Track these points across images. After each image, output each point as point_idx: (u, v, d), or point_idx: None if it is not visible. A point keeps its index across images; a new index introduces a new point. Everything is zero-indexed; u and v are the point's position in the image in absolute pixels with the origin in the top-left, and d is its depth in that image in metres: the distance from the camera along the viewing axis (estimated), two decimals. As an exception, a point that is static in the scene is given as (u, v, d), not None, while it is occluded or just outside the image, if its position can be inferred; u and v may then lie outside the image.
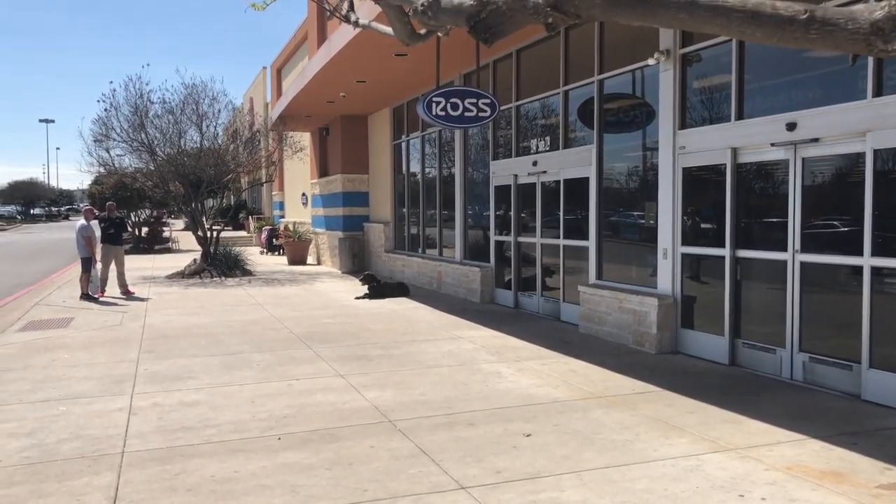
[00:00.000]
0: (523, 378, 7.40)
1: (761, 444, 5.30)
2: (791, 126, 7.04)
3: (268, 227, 28.23)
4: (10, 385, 7.29)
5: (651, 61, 8.66)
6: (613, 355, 8.42)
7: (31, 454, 5.24)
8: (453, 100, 10.16)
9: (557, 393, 6.81)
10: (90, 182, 30.90)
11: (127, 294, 14.37)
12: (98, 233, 14.58)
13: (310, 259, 23.00)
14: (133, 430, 5.79)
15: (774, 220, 7.42)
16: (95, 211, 14.88)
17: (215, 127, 19.59)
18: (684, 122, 8.52)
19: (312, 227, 23.45)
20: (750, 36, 2.36)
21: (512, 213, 12.31)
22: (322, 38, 18.47)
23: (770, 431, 5.59)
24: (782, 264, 7.22)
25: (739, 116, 7.75)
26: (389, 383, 7.21)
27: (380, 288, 13.98)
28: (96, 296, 13.88)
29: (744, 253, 7.75)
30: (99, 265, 14.30)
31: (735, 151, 7.76)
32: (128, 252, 18.23)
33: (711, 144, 8.05)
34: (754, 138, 7.52)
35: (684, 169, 8.47)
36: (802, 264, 7.03)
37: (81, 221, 14.34)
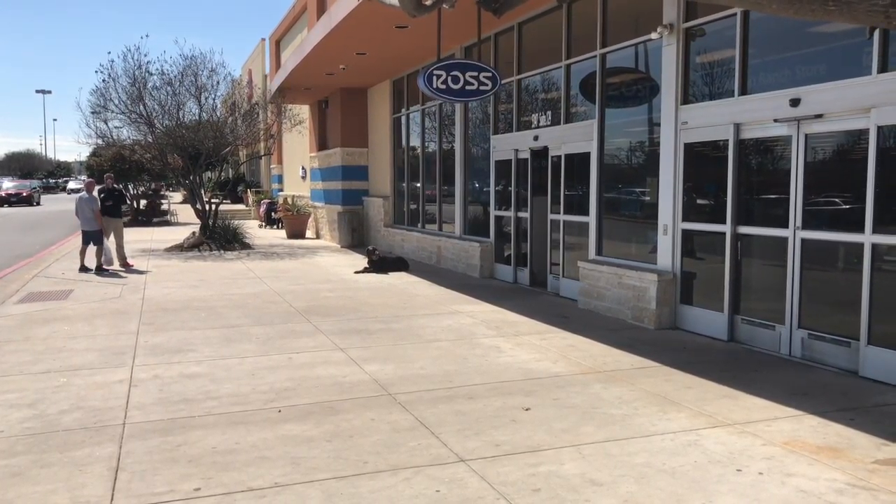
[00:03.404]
0: (522, 353, 7.43)
1: (759, 419, 5.34)
2: (795, 102, 6.99)
3: (266, 201, 28.16)
4: (11, 356, 7.30)
5: (654, 35, 8.59)
6: (612, 331, 8.44)
7: (33, 425, 5.26)
8: (454, 73, 10.08)
9: (556, 367, 6.83)
10: (88, 154, 30.77)
11: (126, 266, 14.37)
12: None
13: (309, 233, 22.97)
14: (134, 401, 5.81)
15: (776, 196, 7.40)
16: (95, 184, 14.77)
17: (214, 99, 19.49)
18: (687, 98, 8.46)
19: (311, 201, 23.40)
20: (766, 7, 2.33)
21: (512, 188, 12.27)
22: (322, 9, 18.27)
23: (768, 407, 5.62)
24: (783, 241, 7.22)
25: (743, 92, 7.69)
26: (389, 357, 7.24)
27: (379, 262, 13.98)
28: (108, 268, 13.85)
29: (745, 229, 7.74)
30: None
31: (738, 127, 7.71)
32: (126, 224, 18.18)
33: (714, 120, 8.00)
34: (757, 114, 7.47)
35: (686, 145, 8.43)
36: (803, 241, 7.02)
37: (83, 194, 14.22)
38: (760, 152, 7.70)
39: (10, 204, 46.38)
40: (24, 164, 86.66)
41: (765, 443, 4.87)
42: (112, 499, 4.05)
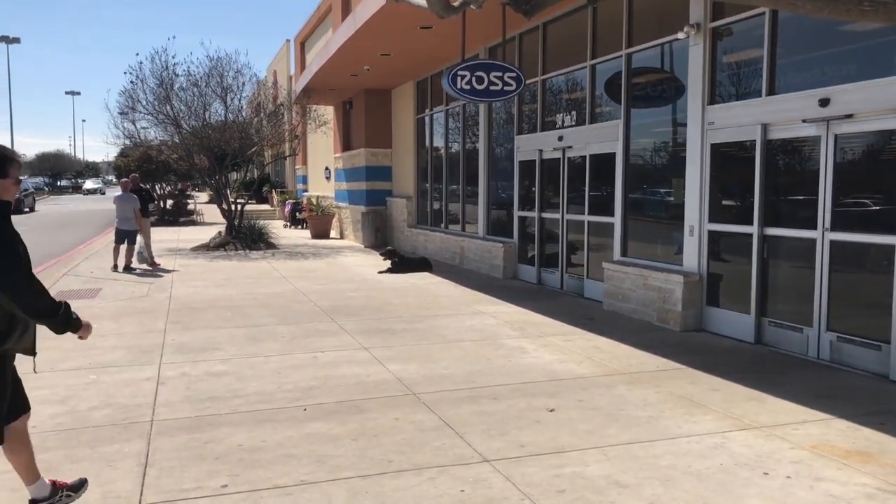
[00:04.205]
0: (547, 353, 7.41)
1: (787, 422, 5.28)
2: (824, 102, 6.90)
3: (291, 201, 28.36)
4: (42, 353, 7.28)
5: (680, 35, 8.52)
6: (637, 332, 8.39)
7: (64, 421, 5.35)
8: (478, 73, 10.09)
9: (581, 369, 6.81)
10: (116, 154, 31.18)
11: (153, 266, 14.55)
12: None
13: (333, 233, 23.10)
14: (162, 399, 5.89)
15: (804, 197, 7.32)
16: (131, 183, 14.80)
17: (240, 100, 19.68)
18: (714, 98, 8.39)
19: (335, 202, 23.51)
20: (800, 8, 2.30)
21: (536, 188, 12.25)
22: (346, 10, 18.38)
23: (796, 410, 5.55)
24: (811, 242, 7.13)
25: (771, 92, 7.61)
26: (413, 357, 7.26)
27: (402, 262, 14.02)
28: (136, 269, 14.01)
29: (772, 231, 7.66)
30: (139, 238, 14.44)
31: (765, 128, 7.63)
32: (153, 224, 18.42)
33: (741, 120, 7.93)
34: (786, 114, 7.39)
35: (713, 145, 8.35)
36: (832, 243, 6.93)
37: (122, 193, 14.34)
38: (788, 153, 7.61)
39: None
40: (53, 165, 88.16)
41: (793, 446, 4.82)
42: (141, 494, 4.11)
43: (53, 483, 3.94)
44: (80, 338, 3.84)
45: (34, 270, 3.72)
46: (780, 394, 5.95)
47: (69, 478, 4.08)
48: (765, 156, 7.67)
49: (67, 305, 3.67)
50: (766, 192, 7.70)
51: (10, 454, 3.81)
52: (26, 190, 41.38)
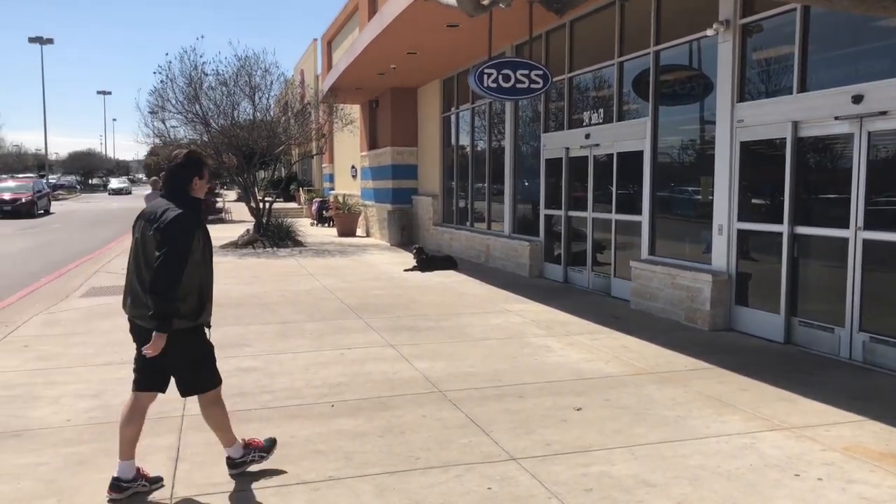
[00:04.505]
0: (573, 352, 7.39)
1: (818, 423, 5.21)
2: (857, 99, 6.80)
3: (318, 199, 28.53)
4: (76, 348, 7.56)
5: (710, 32, 8.44)
6: (665, 332, 8.33)
7: (97, 414, 5.45)
8: (505, 71, 10.08)
9: (608, 368, 6.78)
10: (146, 153, 31.53)
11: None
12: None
13: (359, 231, 23.21)
14: (192, 394, 5.95)
15: (836, 196, 7.21)
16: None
17: (267, 99, 19.85)
18: (743, 95, 8.30)
19: (361, 200, 23.62)
20: (836, 4, 2.28)
21: (563, 186, 12.20)
22: (373, 9, 18.44)
23: (827, 411, 5.48)
24: (843, 241, 7.02)
25: (802, 89, 7.51)
26: (439, 354, 7.28)
27: (428, 261, 14.05)
28: None
29: (802, 230, 7.56)
30: None
31: (796, 125, 7.53)
32: (183, 222, 18.60)
33: (771, 118, 7.83)
34: (817, 112, 7.28)
35: (742, 143, 8.27)
36: (865, 241, 6.82)
37: (152, 192, 14.55)
38: (819, 151, 7.51)
39: (3, 214, 30.77)
40: (85, 164, 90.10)
41: (824, 448, 4.76)
42: (173, 487, 4.18)
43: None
44: (150, 347, 4.09)
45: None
46: (811, 394, 5.87)
47: (102, 470, 4.16)
48: (795, 154, 7.57)
49: (177, 308, 4.03)
50: (797, 190, 7.60)
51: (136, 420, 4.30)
52: (40, 191, 35.90)
